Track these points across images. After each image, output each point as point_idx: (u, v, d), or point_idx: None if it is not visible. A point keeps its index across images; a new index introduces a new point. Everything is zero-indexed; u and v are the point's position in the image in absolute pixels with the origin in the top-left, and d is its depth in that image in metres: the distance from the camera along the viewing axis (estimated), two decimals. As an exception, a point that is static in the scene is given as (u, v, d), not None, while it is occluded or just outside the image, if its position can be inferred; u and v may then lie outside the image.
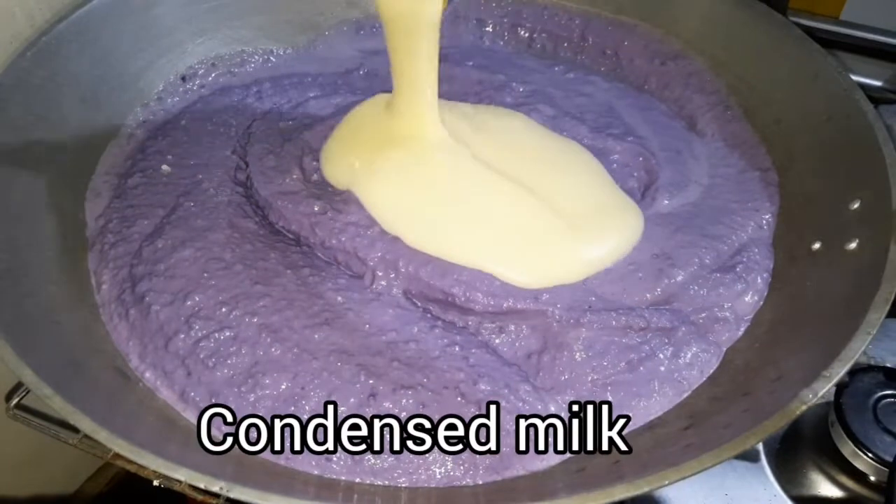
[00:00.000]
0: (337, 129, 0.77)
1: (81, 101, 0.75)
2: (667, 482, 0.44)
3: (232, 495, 0.44)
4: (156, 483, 0.56)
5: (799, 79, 0.74)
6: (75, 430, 0.58)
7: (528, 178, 0.72)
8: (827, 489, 0.63)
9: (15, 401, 0.61)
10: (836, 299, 0.58)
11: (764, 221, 0.71)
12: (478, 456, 0.54)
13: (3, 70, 0.69)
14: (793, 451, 0.65)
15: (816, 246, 0.64)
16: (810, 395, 0.47)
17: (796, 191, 0.71)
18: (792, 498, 0.63)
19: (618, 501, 0.54)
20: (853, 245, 0.60)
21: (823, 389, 0.48)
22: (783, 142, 0.75)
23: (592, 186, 0.73)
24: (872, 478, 0.60)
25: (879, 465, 0.59)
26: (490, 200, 0.70)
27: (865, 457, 0.59)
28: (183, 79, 0.86)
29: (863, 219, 0.61)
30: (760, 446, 0.66)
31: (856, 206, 0.62)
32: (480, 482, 0.54)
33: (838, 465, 0.62)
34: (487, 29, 0.95)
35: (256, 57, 0.90)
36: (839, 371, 0.49)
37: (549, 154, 0.76)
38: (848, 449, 0.60)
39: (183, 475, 0.45)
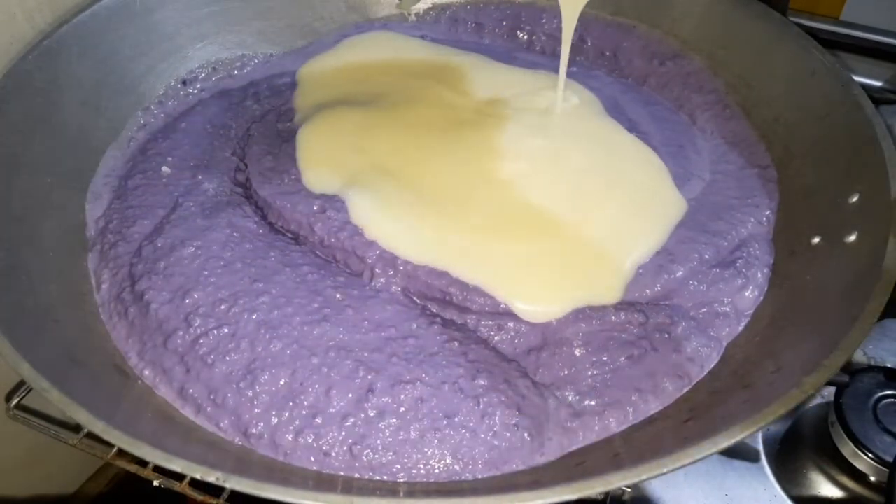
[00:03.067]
0: (310, 135, 0.77)
1: (82, 105, 0.76)
2: (665, 470, 0.43)
3: (228, 486, 0.44)
4: (156, 483, 0.56)
5: (797, 76, 0.74)
6: (75, 430, 0.58)
7: (560, 186, 0.70)
8: (827, 489, 0.63)
9: (15, 401, 0.62)
10: (836, 292, 0.58)
11: (764, 217, 0.70)
12: (476, 451, 0.54)
13: (5, 73, 0.69)
14: (793, 451, 0.65)
15: (816, 240, 0.64)
16: (810, 385, 0.47)
17: (796, 186, 0.71)
18: (792, 498, 0.62)
19: (618, 500, 0.54)
20: (852, 238, 0.60)
21: (824, 379, 0.48)
22: (782, 139, 0.75)
23: (635, 186, 0.72)
24: (872, 478, 0.60)
25: (879, 465, 0.59)
26: (507, 219, 0.68)
27: (865, 457, 0.59)
28: (184, 83, 0.86)
29: (862, 211, 0.61)
30: (760, 446, 0.66)
31: (855, 199, 0.62)
32: (479, 477, 0.54)
33: (838, 465, 0.62)
34: (486, 31, 0.95)
35: (256, 61, 0.91)
36: (839, 361, 0.48)
37: (593, 149, 0.75)
38: (848, 449, 0.60)
39: (179, 466, 0.44)
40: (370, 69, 0.86)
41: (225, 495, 0.57)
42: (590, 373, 0.60)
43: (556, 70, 0.78)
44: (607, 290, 0.64)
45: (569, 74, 0.85)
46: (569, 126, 0.76)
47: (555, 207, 0.69)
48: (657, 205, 0.71)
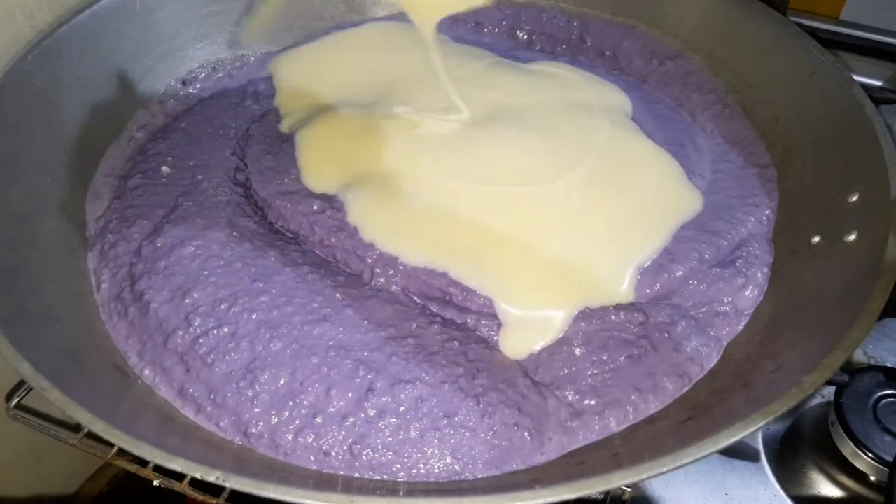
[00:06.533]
0: (310, 135, 0.77)
1: (82, 105, 0.76)
2: (665, 469, 0.43)
3: (228, 485, 0.44)
4: (156, 483, 0.56)
5: (796, 75, 0.74)
6: (75, 430, 0.58)
7: (568, 186, 0.69)
8: (827, 489, 0.63)
9: (15, 401, 0.62)
10: (836, 291, 0.58)
11: (764, 217, 0.70)
12: (476, 450, 0.54)
13: (5, 73, 0.69)
14: (793, 451, 0.65)
15: (816, 239, 0.64)
16: (809, 384, 0.47)
17: (795, 186, 0.71)
18: (792, 498, 0.62)
19: (618, 499, 0.54)
20: (852, 237, 0.60)
21: (823, 378, 0.48)
22: (782, 138, 0.75)
23: (642, 190, 0.71)
24: (872, 478, 0.60)
25: (879, 465, 0.59)
26: (504, 224, 0.67)
27: (865, 457, 0.59)
28: (183, 83, 0.86)
29: (862, 211, 0.61)
30: (760, 446, 0.66)
31: (854, 198, 0.62)
32: (479, 476, 0.54)
33: (838, 465, 0.62)
34: (486, 31, 0.95)
35: (254, 59, 0.91)
36: (839, 360, 0.48)
37: (603, 148, 0.73)
38: (848, 449, 0.60)
39: (180, 465, 0.44)
40: (366, 63, 0.86)
41: (225, 495, 0.57)
42: (590, 372, 0.60)
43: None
44: (615, 294, 0.64)
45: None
46: (577, 125, 0.76)
47: (562, 208, 0.68)
48: (672, 203, 0.70)
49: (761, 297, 0.65)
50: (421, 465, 0.54)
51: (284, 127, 0.79)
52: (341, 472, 0.54)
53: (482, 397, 0.56)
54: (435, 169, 0.71)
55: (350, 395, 0.56)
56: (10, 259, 0.61)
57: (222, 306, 0.61)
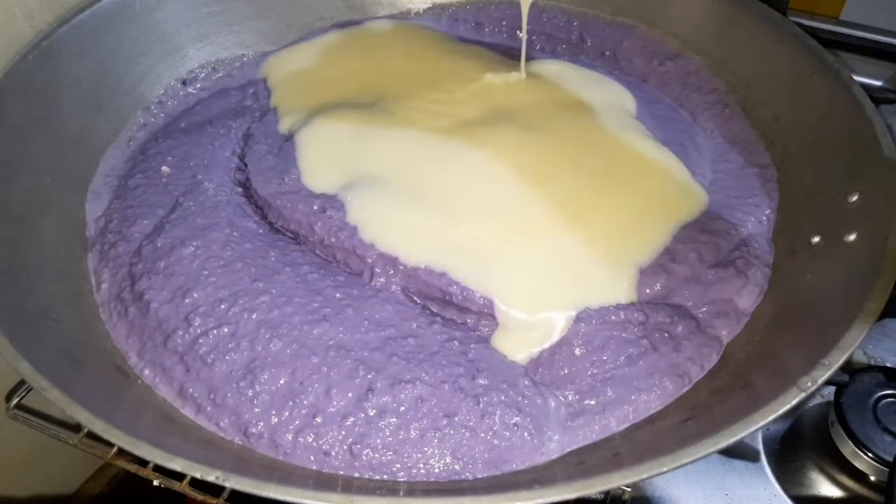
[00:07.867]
0: (310, 135, 0.76)
1: (82, 105, 0.76)
2: (665, 469, 0.43)
3: (228, 485, 0.44)
4: (156, 483, 0.56)
5: (796, 75, 0.74)
6: (75, 430, 0.58)
7: (569, 186, 0.69)
8: (827, 489, 0.63)
9: (15, 401, 0.62)
10: (836, 291, 0.58)
11: (764, 217, 0.70)
12: (476, 450, 0.54)
13: (5, 73, 0.69)
14: (793, 451, 0.65)
15: (816, 239, 0.64)
16: (809, 383, 0.47)
17: (795, 185, 0.71)
18: (792, 498, 0.62)
19: (618, 499, 0.54)
20: (852, 237, 0.60)
21: (822, 377, 0.48)
22: (782, 138, 0.75)
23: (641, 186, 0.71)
24: (872, 478, 0.60)
25: (879, 465, 0.59)
26: (507, 220, 0.67)
27: (865, 457, 0.59)
28: (184, 83, 0.86)
29: (862, 211, 0.61)
30: (760, 446, 0.66)
31: (854, 198, 0.62)
32: (479, 476, 0.54)
33: (838, 465, 0.62)
34: (486, 31, 0.95)
35: (254, 59, 0.91)
36: (838, 359, 0.48)
37: (604, 148, 0.73)
38: (848, 449, 0.60)
39: (179, 465, 0.44)
40: (365, 63, 0.86)
41: (225, 495, 0.57)
42: (590, 372, 0.60)
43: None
44: (615, 294, 0.64)
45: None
46: (580, 123, 0.76)
47: (563, 207, 0.68)
48: (674, 202, 0.70)
49: (761, 297, 0.65)
50: (421, 465, 0.54)
51: (284, 127, 0.79)
52: (341, 472, 0.54)
53: (482, 397, 0.56)
54: (435, 168, 0.71)
55: (350, 394, 0.56)
56: (10, 259, 0.61)
57: (222, 306, 0.61)
